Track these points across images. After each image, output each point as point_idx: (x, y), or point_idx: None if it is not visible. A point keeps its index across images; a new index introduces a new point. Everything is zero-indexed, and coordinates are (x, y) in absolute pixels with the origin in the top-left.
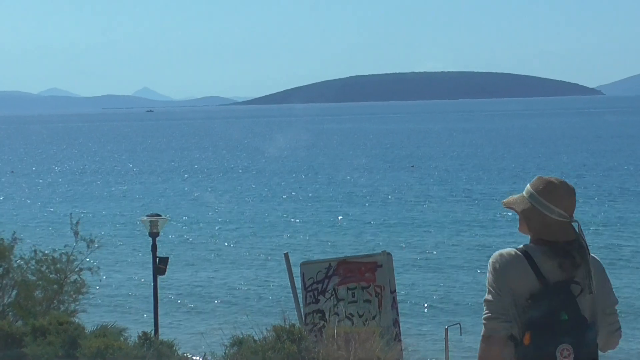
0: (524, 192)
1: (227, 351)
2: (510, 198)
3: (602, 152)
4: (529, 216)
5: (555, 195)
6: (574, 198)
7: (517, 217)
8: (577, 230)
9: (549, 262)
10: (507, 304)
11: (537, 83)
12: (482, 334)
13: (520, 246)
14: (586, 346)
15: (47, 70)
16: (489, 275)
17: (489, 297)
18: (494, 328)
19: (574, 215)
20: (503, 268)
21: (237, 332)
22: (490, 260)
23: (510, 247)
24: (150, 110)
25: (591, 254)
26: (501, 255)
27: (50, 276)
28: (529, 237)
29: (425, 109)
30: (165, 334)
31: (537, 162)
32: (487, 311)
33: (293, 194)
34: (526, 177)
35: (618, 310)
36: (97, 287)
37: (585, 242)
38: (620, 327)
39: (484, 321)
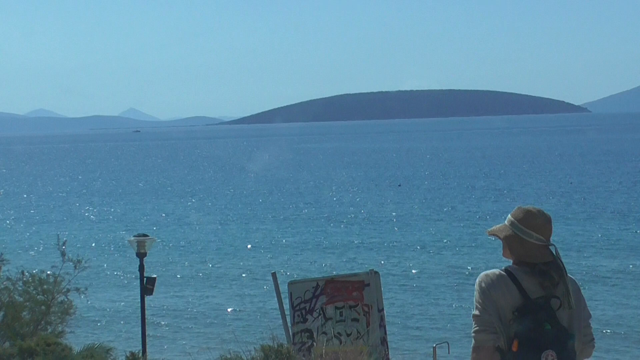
0: (505, 221)
1: None
2: (494, 227)
3: (587, 169)
4: (511, 242)
5: (534, 223)
6: (550, 225)
7: (501, 243)
8: (554, 252)
9: (530, 281)
10: (493, 318)
11: (522, 100)
12: (472, 345)
13: (504, 267)
14: (567, 353)
15: (34, 91)
16: (476, 293)
17: (476, 312)
18: (482, 339)
19: (550, 239)
20: (488, 287)
21: (225, 352)
22: (477, 280)
23: (495, 268)
24: (138, 131)
25: (568, 274)
26: (486, 275)
27: (38, 297)
28: (512, 260)
29: (410, 127)
30: (153, 354)
31: (522, 180)
32: (475, 325)
33: (279, 213)
34: (511, 195)
35: (592, 325)
36: (85, 308)
37: (562, 263)
38: (593, 339)
39: (473, 334)
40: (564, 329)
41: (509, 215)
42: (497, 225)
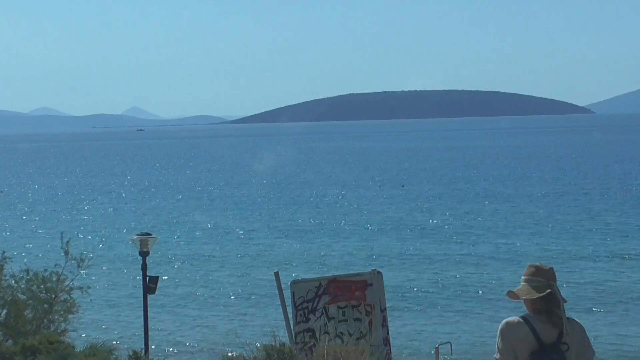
0: (521, 281)
1: None
2: (516, 290)
3: (589, 170)
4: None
5: (538, 271)
6: (551, 272)
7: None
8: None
9: (543, 327)
10: (510, 359)
11: (527, 101)
12: None
13: (522, 315)
14: None
15: (37, 90)
16: (497, 338)
17: (497, 355)
18: None
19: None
20: (509, 334)
21: (227, 351)
22: (500, 327)
23: (514, 316)
24: (141, 130)
25: (574, 319)
26: (507, 323)
27: (41, 295)
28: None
29: (414, 127)
30: (155, 353)
31: (524, 181)
32: None
33: (283, 212)
34: (512, 196)
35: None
36: (88, 306)
37: (563, 307)
38: None
39: None
40: None
41: (523, 275)
42: (517, 288)
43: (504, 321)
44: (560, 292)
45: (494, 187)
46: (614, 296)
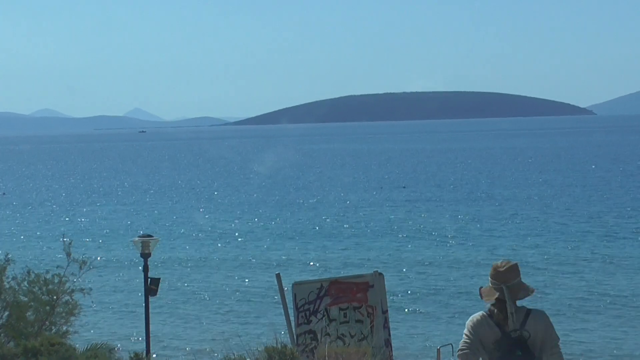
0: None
1: None
2: (482, 289)
3: (591, 171)
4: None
5: (495, 274)
6: (510, 273)
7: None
8: (505, 292)
9: (502, 319)
10: (474, 345)
11: (528, 103)
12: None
13: (486, 309)
14: None
15: (39, 91)
16: (465, 330)
17: (463, 340)
18: (463, 352)
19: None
20: (474, 326)
21: (229, 353)
22: (467, 322)
23: (479, 311)
24: (143, 131)
25: (537, 309)
26: (472, 319)
27: (42, 297)
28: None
29: (416, 128)
30: (157, 355)
31: (526, 182)
32: (461, 347)
33: (284, 214)
34: (514, 197)
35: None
36: (89, 308)
37: (513, 302)
38: (562, 356)
39: (459, 353)
40: (532, 354)
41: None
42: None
43: (470, 317)
44: (521, 285)
45: (494, 189)
46: (607, 298)
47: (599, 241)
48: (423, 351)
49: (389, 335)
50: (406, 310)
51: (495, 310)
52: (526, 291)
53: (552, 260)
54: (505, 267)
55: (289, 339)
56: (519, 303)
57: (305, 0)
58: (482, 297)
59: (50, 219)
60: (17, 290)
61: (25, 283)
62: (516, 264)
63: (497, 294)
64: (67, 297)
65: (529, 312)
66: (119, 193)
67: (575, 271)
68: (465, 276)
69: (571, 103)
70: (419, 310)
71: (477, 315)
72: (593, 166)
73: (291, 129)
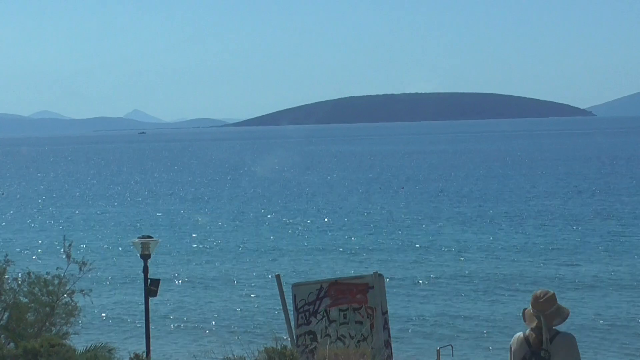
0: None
1: None
2: (524, 312)
3: (592, 172)
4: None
5: (535, 303)
6: (547, 303)
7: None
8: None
9: (538, 341)
10: None
11: (528, 104)
12: None
13: (525, 330)
14: None
15: (38, 93)
16: (510, 347)
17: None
18: None
19: (547, 311)
20: (512, 344)
21: (228, 354)
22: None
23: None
24: (143, 132)
25: (568, 332)
26: (513, 337)
27: (42, 298)
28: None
29: (415, 130)
30: (156, 356)
31: (526, 183)
32: None
33: (284, 215)
34: (514, 197)
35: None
36: (89, 309)
37: (548, 329)
38: None
39: None
40: None
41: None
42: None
43: (514, 336)
44: (557, 313)
45: (494, 189)
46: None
47: (599, 242)
48: (423, 352)
49: (389, 336)
50: (406, 311)
51: (533, 335)
52: (561, 318)
53: (553, 258)
54: (544, 299)
55: (289, 340)
56: None
57: (305, 2)
58: (524, 320)
59: (50, 220)
60: (17, 291)
61: (25, 284)
62: (553, 295)
63: (536, 321)
64: (67, 299)
65: (556, 334)
66: (119, 194)
67: (575, 271)
68: (466, 277)
69: (571, 104)
70: (419, 311)
71: (516, 335)
72: (593, 167)
73: (291, 130)
